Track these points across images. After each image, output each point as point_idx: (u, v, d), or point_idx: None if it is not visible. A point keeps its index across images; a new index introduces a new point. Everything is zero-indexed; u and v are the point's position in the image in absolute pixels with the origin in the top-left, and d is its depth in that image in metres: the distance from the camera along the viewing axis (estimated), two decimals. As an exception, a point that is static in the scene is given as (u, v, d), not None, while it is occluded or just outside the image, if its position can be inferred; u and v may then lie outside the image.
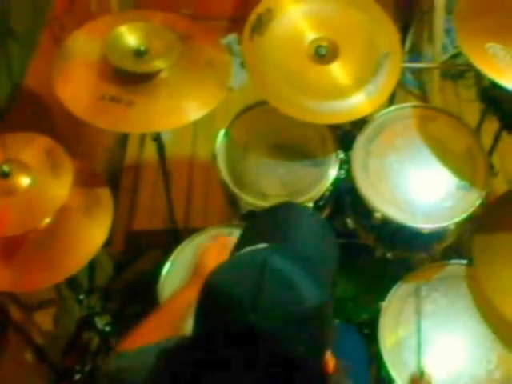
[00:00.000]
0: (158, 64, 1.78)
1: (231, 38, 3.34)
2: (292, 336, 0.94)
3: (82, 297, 2.21)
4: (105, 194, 1.82)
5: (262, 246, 1.06)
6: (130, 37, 1.82)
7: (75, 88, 1.79)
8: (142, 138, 2.97)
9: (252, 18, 1.97)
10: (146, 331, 1.45)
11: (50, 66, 1.80)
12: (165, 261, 1.95)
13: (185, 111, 1.80)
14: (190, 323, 1.06)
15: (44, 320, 2.32)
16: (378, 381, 1.88)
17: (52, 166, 1.67)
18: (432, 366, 1.80)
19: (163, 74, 1.80)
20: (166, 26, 1.89)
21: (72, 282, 2.15)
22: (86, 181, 1.80)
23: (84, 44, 1.88)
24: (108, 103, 1.74)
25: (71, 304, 2.31)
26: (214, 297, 1.00)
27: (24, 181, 1.63)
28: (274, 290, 0.96)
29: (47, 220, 1.69)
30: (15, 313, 2.11)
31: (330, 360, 1.05)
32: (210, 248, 1.78)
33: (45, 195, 1.64)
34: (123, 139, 3.02)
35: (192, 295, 1.36)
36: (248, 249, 1.07)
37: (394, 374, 1.79)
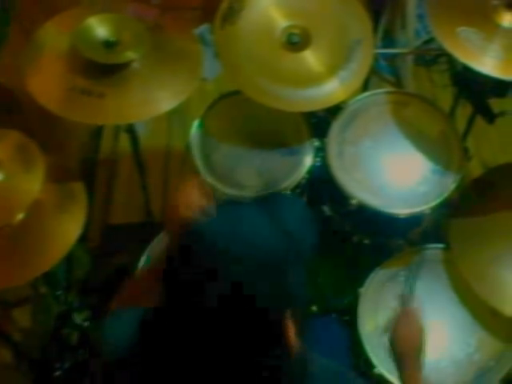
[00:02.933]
0: (129, 55, 1.77)
1: (204, 28, 3.31)
2: (256, 281, 0.99)
3: (59, 292, 2.20)
4: (78, 188, 1.80)
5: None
6: (99, 28, 1.81)
7: (45, 81, 1.77)
8: (117, 130, 2.94)
9: (223, 6, 1.95)
10: (130, 290, 1.50)
11: (20, 59, 1.78)
12: (140, 254, 1.94)
13: (157, 102, 1.79)
14: None
15: (22, 317, 2.30)
16: (358, 366, 1.88)
17: (24, 161, 1.66)
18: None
19: (134, 65, 1.79)
20: (136, 17, 1.87)
21: (49, 278, 2.14)
22: (58, 175, 1.78)
23: (54, 36, 1.86)
24: (79, 95, 1.73)
25: (49, 300, 2.29)
26: (195, 240, 1.04)
27: (-5, 176, 1.61)
28: (245, 238, 1.01)
29: (20, 215, 1.66)
30: (-8, 310, 2.09)
31: (291, 326, 1.06)
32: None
33: (17, 190, 1.62)
34: (97, 132, 2.99)
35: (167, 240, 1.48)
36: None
37: (373, 359, 1.80)
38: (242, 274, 0.98)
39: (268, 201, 1.20)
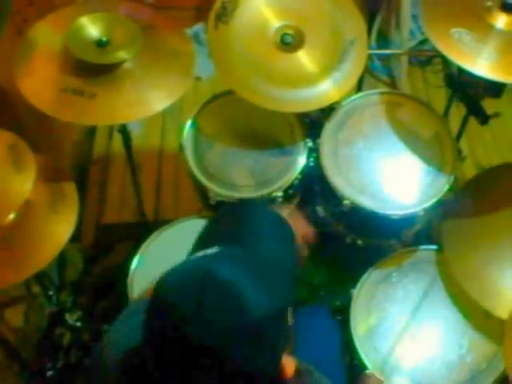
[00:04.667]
0: (121, 55, 1.76)
1: (198, 27, 3.31)
2: (232, 348, 0.92)
3: (51, 293, 2.19)
4: (70, 188, 1.80)
5: (211, 250, 1.04)
6: (91, 28, 1.80)
7: (37, 81, 1.76)
8: (110, 130, 2.93)
9: (216, 6, 1.95)
10: None
11: (12, 59, 1.77)
12: (134, 254, 1.93)
13: (149, 102, 1.78)
14: None
15: (14, 317, 2.29)
16: (351, 367, 1.88)
17: (15, 161, 1.65)
18: (404, 352, 1.80)
19: (126, 65, 1.78)
20: (128, 16, 1.86)
21: (42, 278, 2.13)
22: (50, 175, 1.78)
23: (46, 36, 1.85)
24: (71, 95, 1.72)
25: (42, 300, 2.29)
26: (158, 305, 0.98)
27: (-15, 177, 1.60)
28: (216, 301, 0.93)
29: (12, 216, 1.66)
30: (-16, 311, 2.09)
31: (289, 364, 1.03)
32: None
33: (8, 191, 1.61)
34: (91, 132, 2.98)
35: None
36: (198, 254, 1.05)
37: (366, 360, 1.79)
38: (205, 337, 0.92)
39: (239, 228, 1.14)
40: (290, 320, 1.05)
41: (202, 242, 1.18)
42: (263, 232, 1.13)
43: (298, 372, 1.04)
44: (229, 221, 1.22)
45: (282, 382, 1.02)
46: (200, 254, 1.05)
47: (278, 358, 1.00)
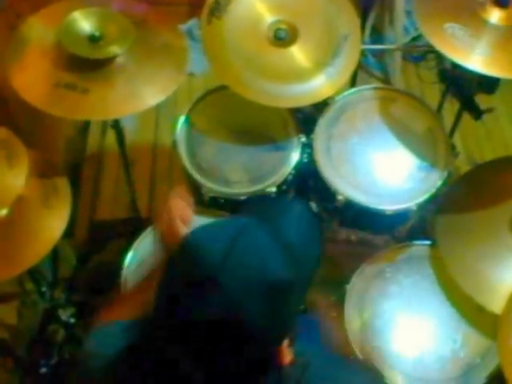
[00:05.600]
0: (113, 49, 1.75)
1: (192, 23, 3.30)
2: (250, 301, 0.92)
3: (44, 289, 2.19)
4: (62, 183, 1.79)
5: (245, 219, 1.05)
6: (84, 22, 1.79)
7: (30, 76, 1.76)
8: (104, 126, 2.92)
9: (210, 1, 1.94)
10: (120, 305, 1.42)
11: (4, 54, 1.77)
12: (127, 250, 1.93)
13: (142, 97, 1.78)
14: None
15: (8, 314, 2.30)
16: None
17: (7, 156, 1.64)
18: (398, 347, 1.80)
19: (119, 60, 1.78)
20: (121, 12, 1.85)
21: (35, 275, 2.12)
22: (42, 171, 1.77)
23: (39, 31, 1.85)
24: (63, 90, 1.72)
25: (35, 297, 2.28)
26: (187, 249, 0.98)
27: (-22, 172, 1.60)
28: (247, 253, 0.94)
29: (4, 211, 1.65)
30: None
31: (287, 353, 1.03)
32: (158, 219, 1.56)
33: (0, 186, 1.60)
34: (84, 128, 2.97)
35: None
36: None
37: (359, 355, 1.79)
38: (240, 293, 0.91)
39: (269, 215, 1.14)
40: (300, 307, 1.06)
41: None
42: (292, 221, 1.12)
43: (293, 363, 1.04)
44: (257, 208, 1.21)
45: (276, 366, 1.02)
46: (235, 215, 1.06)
47: (281, 336, 1.00)
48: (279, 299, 0.96)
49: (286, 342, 1.02)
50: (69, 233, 1.76)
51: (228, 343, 0.93)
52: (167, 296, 0.98)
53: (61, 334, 2.29)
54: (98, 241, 2.60)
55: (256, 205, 1.33)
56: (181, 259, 0.99)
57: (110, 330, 1.21)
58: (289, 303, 0.98)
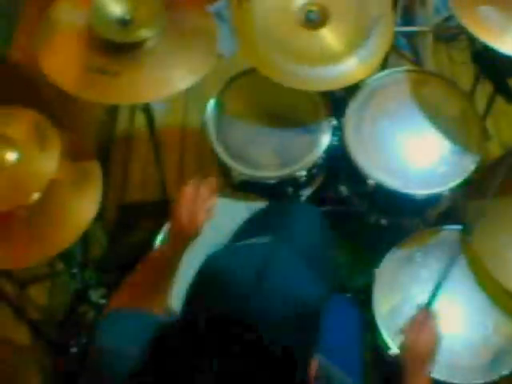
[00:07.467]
0: (144, 33, 1.74)
1: (221, 3, 3.28)
2: (287, 331, 0.90)
3: (75, 270, 2.21)
4: (94, 166, 1.80)
5: (264, 239, 1.02)
6: (114, 6, 1.78)
7: (60, 60, 1.76)
8: (133, 108, 2.93)
9: (240, -17, 1.93)
10: (130, 290, 1.40)
11: (35, 37, 1.77)
12: (158, 231, 1.93)
13: (172, 80, 1.76)
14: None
15: (39, 295, 2.32)
16: (374, 348, 1.88)
17: (39, 139, 1.65)
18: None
19: (149, 43, 1.76)
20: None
21: (66, 256, 2.14)
22: (74, 154, 1.77)
23: (68, 14, 1.84)
24: (94, 75, 1.71)
25: (65, 278, 2.31)
26: (211, 280, 0.94)
27: (11, 156, 1.60)
28: (277, 281, 0.92)
29: (36, 195, 1.66)
30: (9, 288, 2.10)
31: (314, 363, 1.00)
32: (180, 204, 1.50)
33: (32, 170, 1.62)
34: (113, 110, 2.98)
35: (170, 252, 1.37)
36: (251, 240, 1.03)
37: (389, 340, 1.79)
38: (270, 312, 0.89)
39: (282, 222, 1.11)
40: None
41: (246, 232, 1.15)
42: (304, 226, 1.11)
43: (317, 371, 1.01)
44: (269, 215, 1.20)
45: (306, 379, 0.99)
46: (250, 241, 1.03)
47: (313, 351, 0.98)
48: (313, 321, 0.95)
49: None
50: (99, 214, 1.77)
51: (266, 370, 0.90)
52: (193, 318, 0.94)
53: (91, 315, 2.32)
54: (127, 222, 2.62)
55: (264, 215, 1.29)
56: (206, 291, 0.95)
57: (124, 322, 1.19)
58: (318, 318, 0.97)
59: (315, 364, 1.00)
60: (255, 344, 0.88)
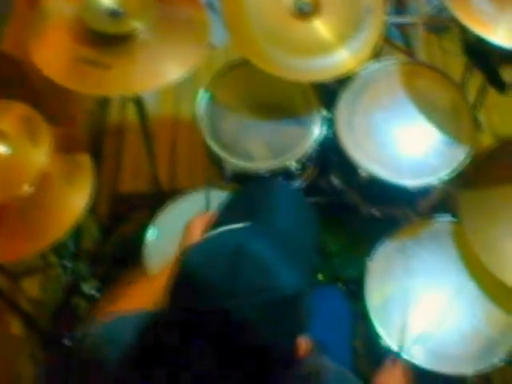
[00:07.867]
0: (135, 24, 1.74)
1: (213, -6, 3.27)
2: (266, 324, 0.92)
3: (67, 262, 2.21)
4: (85, 158, 1.80)
5: (237, 226, 1.03)
6: (105, -4, 1.77)
7: (51, 52, 1.75)
8: (124, 100, 2.92)
9: (231, -28, 1.92)
10: (129, 300, 1.42)
11: (25, 29, 1.76)
12: (149, 223, 1.94)
13: (164, 72, 1.76)
14: None
15: (31, 287, 2.32)
16: (366, 338, 1.89)
17: (30, 132, 1.65)
18: (419, 324, 1.80)
19: (140, 35, 1.76)
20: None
21: (58, 248, 2.14)
22: (65, 147, 1.76)
23: (59, 5, 1.83)
24: (85, 66, 1.71)
25: (58, 270, 2.31)
26: (188, 279, 0.96)
27: (1, 149, 1.61)
28: (251, 275, 0.93)
29: (28, 188, 1.66)
30: (1, 281, 2.10)
31: (303, 342, 1.02)
32: (194, 222, 1.62)
33: (24, 163, 1.62)
34: (104, 102, 2.97)
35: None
36: (223, 228, 1.03)
37: (380, 331, 1.80)
38: (246, 311, 0.91)
39: (257, 206, 1.12)
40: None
41: (226, 215, 1.16)
42: (280, 208, 1.12)
43: (309, 350, 1.03)
44: (244, 199, 1.20)
45: (295, 360, 1.01)
46: (226, 228, 1.03)
47: (299, 335, 1.00)
48: (294, 308, 0.96)
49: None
50: (91, 207, 1.77)
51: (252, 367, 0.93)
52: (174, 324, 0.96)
53: (83, 307, 2.32)
54: (120, 214, 2.62)
55: (240, 199, 1.29)
56: (182, 291, 0.97)
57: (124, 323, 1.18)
58: (303, 305, 0.98)
59: (304, 341, 1.01)
60: (234, 340, 0.90)
